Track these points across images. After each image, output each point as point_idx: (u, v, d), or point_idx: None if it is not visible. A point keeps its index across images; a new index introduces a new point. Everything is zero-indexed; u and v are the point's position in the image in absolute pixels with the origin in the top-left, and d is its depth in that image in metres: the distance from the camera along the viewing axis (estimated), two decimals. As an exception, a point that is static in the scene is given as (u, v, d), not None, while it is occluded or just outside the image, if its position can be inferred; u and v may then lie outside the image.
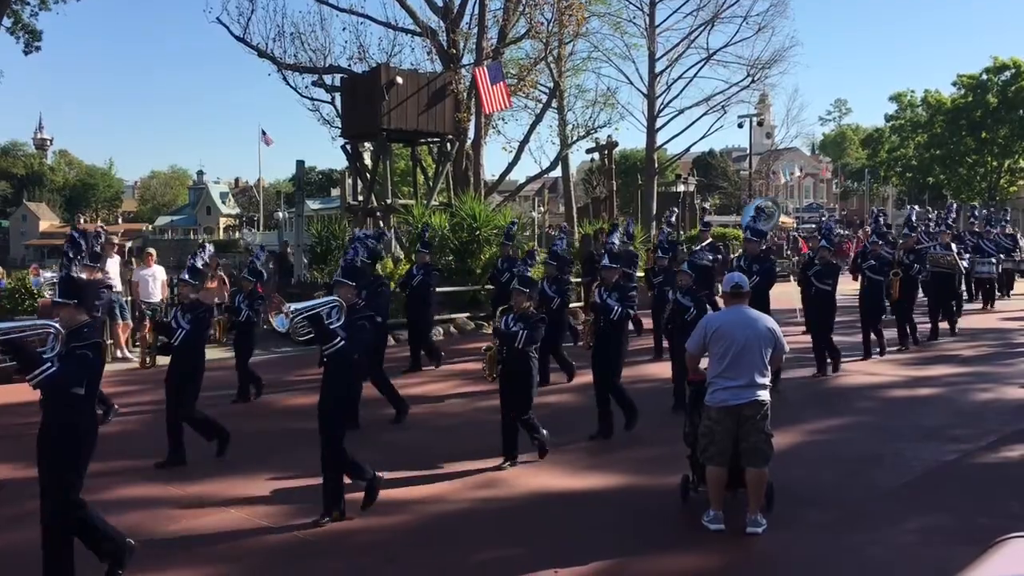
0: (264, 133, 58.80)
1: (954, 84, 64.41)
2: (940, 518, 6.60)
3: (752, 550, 6.08)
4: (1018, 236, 23.27)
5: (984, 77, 61.44)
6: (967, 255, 18.05)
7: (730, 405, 6.20)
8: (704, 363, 6.60)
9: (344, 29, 40.10)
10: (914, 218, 16.45)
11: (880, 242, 13.99)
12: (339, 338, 6.40)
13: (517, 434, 8.05)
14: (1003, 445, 8.47)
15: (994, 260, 19.14)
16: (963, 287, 19.59)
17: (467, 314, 17.17)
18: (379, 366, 10.11)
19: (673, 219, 20.33)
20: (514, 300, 8.21)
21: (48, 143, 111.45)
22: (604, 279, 9.49)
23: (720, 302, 13.16)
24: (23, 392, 11.75)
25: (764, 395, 6.26)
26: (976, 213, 23.23)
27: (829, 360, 12.02)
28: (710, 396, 6.33)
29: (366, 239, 12.11)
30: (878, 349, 13.35)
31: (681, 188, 36.63)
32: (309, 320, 6.48)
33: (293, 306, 6.39)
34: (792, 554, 6.03)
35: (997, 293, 20.51)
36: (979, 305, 19.27)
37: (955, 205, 24.35)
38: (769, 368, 6.35)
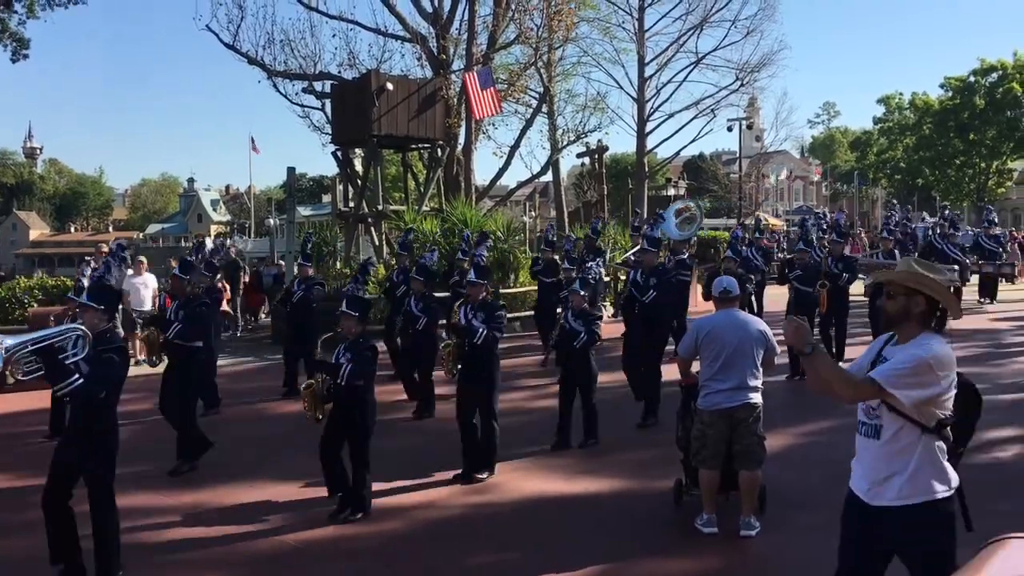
0: (252, 142, 58.56)
1: (941, 86, 64.91)
2: (933, 519, 6.60)
3: (745, 553, 6.08)
4: (1003, 238, 21.94)
5: (971, 79, 61.91)
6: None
7: (723, 408, 6.20)
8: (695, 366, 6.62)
9: (334, 36, 40.29)
10: (842, 222, 15.26)
11: (809, 250, 13.06)
12: (76, 375, 5.25)
13: (352, 476, 6.89)
14: (995, 446, 8.49)
15: (957, 267, 17.31)
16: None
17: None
18: (190, 401, 8.63)
19: (599, 225, 18.77)
20: (342, 325, 6.98)
21: (38, 152, 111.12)
22: (470, 296, 8.27)
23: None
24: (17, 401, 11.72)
25: (756, 397, 6.27)
26: (946, 215, 21.83)
27: None
28: (702, 399, 6.34)
29: (122, 252, 10.87)
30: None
31: (671, 191, 36.78)
32: (38, 354, 5.31)
33: (8, 340, 5.18)
34: (785, 556, 6.03)
35: (983, 299, 19.83)
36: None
37: (896, 210, 22.60)
38: (761, 370, 6.36)
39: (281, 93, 24.75)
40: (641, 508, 7.02)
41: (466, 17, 22.91)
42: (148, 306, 15.20)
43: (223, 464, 8.48)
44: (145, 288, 15.24)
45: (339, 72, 23.86)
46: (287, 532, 6.58)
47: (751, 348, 6.26)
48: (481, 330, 7.85)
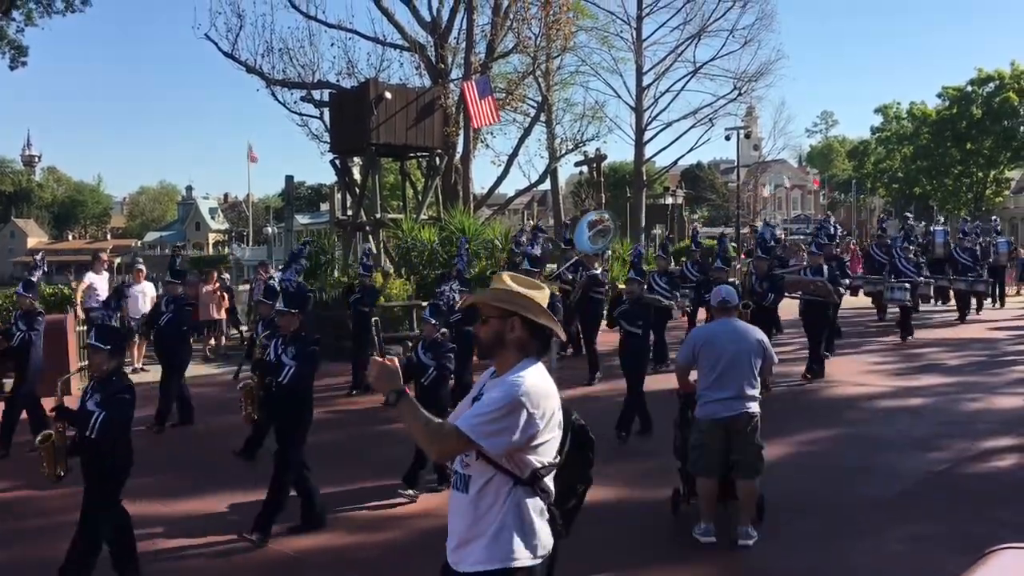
0: (250, 149, 58.56)
1: (939, 96, 65.10)
2: (931, 528, 6.61)
3: (743, 562, 6.06)
4: (977, 251, 19.52)
5: (969, 89, 62.07)
6: (847, 279, 14.70)
7: (720, 417, 6.19)
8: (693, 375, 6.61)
9: (332, 45, 40.31)
10: (767, 236, 13.57)
11: (725, 268, 11.70)
12: None
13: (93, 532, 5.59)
14: (993, 455, 8.49)
15: (908, 285, 15.76)
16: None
17: (457, 328, 17.14)
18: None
19: (523, 237, 16.66)
20: (91, 360, 5.85)
21: (36, 159, 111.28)
22: (280, 327, 7.09)
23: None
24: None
25: (754, 407, 6.26)
26: (908, 224, 19.32)
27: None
28: (700, 409, 6.33)
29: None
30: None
31: (669, 200, 36.83)
32: None
33: None
34: (783, 565, 6.02)
35: (954, 315, 18.71)
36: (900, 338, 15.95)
37: (830, 219, 19.28)
38: (759, 380, 6.35)
39: (279, 102, 24.80)
40: (639, 517, 7.00)
41: (464, 26, 22.95)
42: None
43: (216, 474, 8.46)
44: (143, 296, 15.24)
45: (338, 81, 23.90)
46: (281, 542, 6.55)
47: (749, 357, 6.25)
48: (288, 368, 6.65)
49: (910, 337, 15.88)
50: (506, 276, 3.21)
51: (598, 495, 7.58)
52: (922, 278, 16.58)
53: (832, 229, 17.03)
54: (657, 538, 6.61)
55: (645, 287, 10.53)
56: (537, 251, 10.21)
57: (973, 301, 19.61)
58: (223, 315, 17.31)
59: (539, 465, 3.02)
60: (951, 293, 20.05)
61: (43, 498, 7.86)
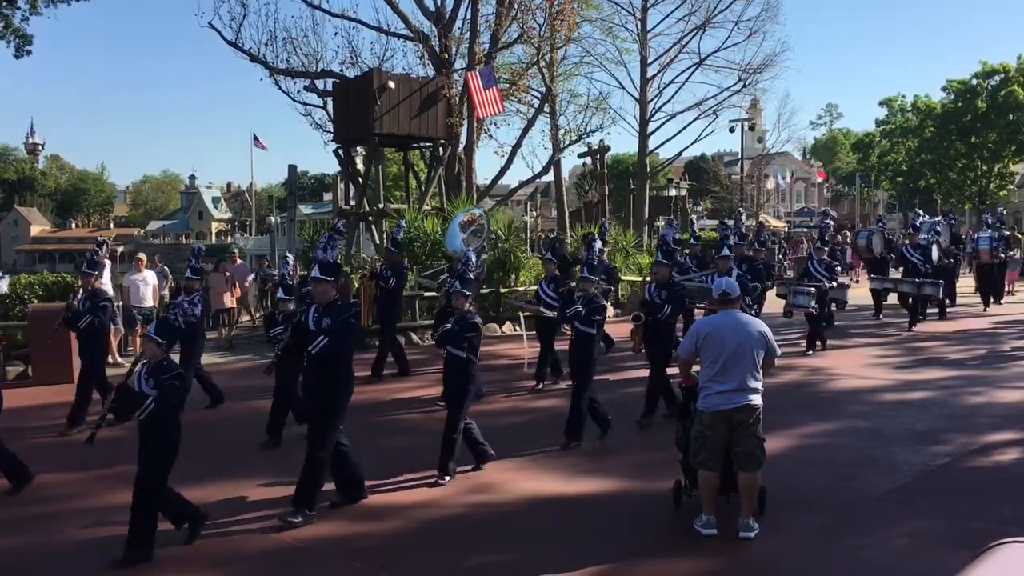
0: (256, 139, 58.47)
1: (944, 89, 64.86)
2: (932, 522, 6.61)
3: (744, 554, 6.08)
4: (932, 249, 17.46)
5: (974, 82, 61.90)
6: (757, 283, 12.73)
7: (722, 410, 6.19)
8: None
9: (336, 34, 40.01)
10: (670, 238, 11.90)
11: (595, 279, 9.59)
12: None
13: None
14: (995, 449, 8.49)
15: (813, 290, 14.00)
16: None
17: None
18: None
19: (400, 235, 13.82)
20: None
21: (40, 148, 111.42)
22: None
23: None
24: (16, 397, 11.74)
25: (756, 399, 6.26)
26: (825, 223, 16.74)
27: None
28: (702, 401, 6.32)
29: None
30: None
31: (673, 192, 36.78)
32: None
33: None
34: (784, 558, 6.03)
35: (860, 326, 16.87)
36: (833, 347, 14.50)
37: (740, 218, 16.82)
38: (761, 372, 6.35)
39: (283, 91, 24.71)
40: (640, 509, 7.02)
41: (469, 16, 22.89)
42: (148, 303, 15.22)
43: (223, 461, 8.49)
44: (145, 285, 15.25)
45: (341, 70, 23.85)
46: (286, 530, 6.57)
47: (751, 350, 6.25)
48: None
49: (811, 350, 14.02)
50: None
51: (600, 486, 7.63)
52: (833, 283, 14.89)
53: (743, 228, 15.57)
54: (658, 530, 6.63)
55: (472, 301, 8.49)
56: (331, 256, 7.92)
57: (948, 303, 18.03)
58: (235, 304, 17.37)
59: None
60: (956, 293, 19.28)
61: (48, 485, 7.89)
